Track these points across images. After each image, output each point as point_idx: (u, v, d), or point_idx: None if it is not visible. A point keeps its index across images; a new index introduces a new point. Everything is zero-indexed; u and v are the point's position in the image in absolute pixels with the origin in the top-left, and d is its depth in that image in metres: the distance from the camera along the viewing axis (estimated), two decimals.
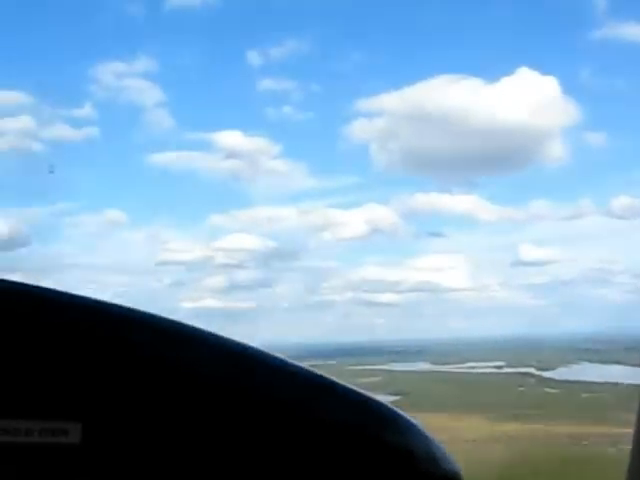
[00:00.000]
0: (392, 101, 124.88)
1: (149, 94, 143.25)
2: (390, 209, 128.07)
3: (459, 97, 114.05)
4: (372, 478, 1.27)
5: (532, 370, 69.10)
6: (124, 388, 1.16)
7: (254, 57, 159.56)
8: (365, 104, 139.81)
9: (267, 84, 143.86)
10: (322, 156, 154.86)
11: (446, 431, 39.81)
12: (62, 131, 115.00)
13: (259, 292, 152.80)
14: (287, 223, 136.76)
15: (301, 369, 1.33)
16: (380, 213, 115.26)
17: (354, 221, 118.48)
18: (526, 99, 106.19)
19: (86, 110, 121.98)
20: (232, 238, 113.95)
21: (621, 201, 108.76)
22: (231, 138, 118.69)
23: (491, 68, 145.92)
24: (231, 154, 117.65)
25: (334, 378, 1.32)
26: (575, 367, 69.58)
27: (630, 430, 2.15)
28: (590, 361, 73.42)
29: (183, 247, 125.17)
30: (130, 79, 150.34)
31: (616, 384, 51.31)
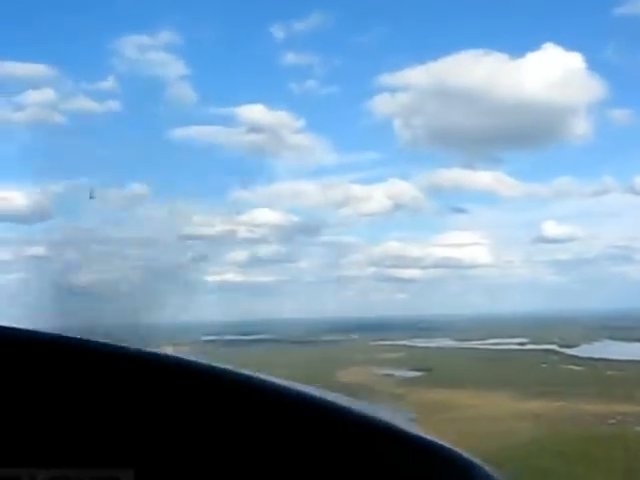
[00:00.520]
0: (416, 76, 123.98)
1: (172, 67, 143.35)
2: (413, 185, 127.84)
3: (484, 72, 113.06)
4: None
5: (555, 347, 68.98)
6: (176, 434, 1.12)
7: (277, 31, 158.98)
8: (389, 79, 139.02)
9: (290, 58, 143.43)
10: (345, 130, 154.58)
11: (471, 408, 39.92)
12: (84, 104, 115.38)
13: (281, 267, 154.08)
14: (310, 198, 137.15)
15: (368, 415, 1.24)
16: (403, 189, 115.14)
17: (376, 196, 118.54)
18: (551, 75, 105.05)
19: (108, 83, 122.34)
20: (255, 213, 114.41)
21: None
22: (254, 112, 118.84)
23: (516, 43, 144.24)
24: (253, 128, 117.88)
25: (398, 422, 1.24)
26: (598, 344, 69.35)
27: None
28: (612, 338, 73.20)
29: (206, 221, 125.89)
30: (153, 52, 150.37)
31: None
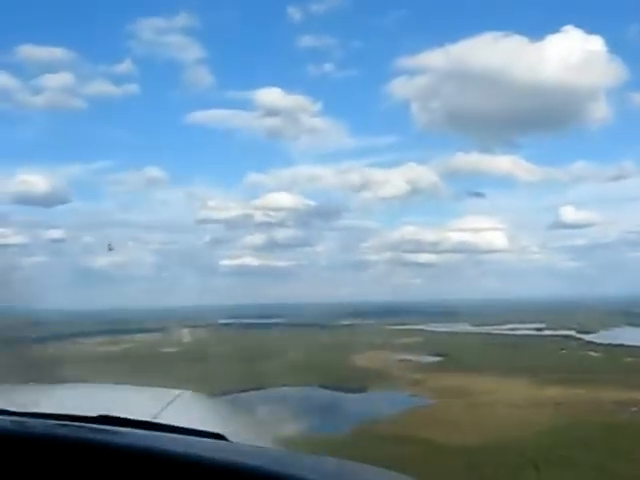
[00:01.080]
0: (434, 59, 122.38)
1: (189, 51, 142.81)
2: (430, 169, 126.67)
3: (503, 55, 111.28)
4: None
5: (573, 333, 68.18)
6: None
7: (294, 13, 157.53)
8: (407, 62, 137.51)
9: (307, 41, 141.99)
10: (362, 114, 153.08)
11: (490, 394, 39.46)
12: (102, 87, 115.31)
13: (298, 251, 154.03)
14: (326, 182, 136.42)
15: None
16: (420, 173, 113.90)
17: (394, 181, 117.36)
18: (571, 58, 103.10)
19: (126, 66, 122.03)
20: (272, 196, 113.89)
21: None
22: (270, 95, 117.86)
23: (536, 26, 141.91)
24: (270, 112, 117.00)
25: None
26: (616, 330, 68.50)
27: None
28: (631, 325, 72.28)
29: (222, 205, 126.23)
30: (170, 35, 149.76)
31: None
